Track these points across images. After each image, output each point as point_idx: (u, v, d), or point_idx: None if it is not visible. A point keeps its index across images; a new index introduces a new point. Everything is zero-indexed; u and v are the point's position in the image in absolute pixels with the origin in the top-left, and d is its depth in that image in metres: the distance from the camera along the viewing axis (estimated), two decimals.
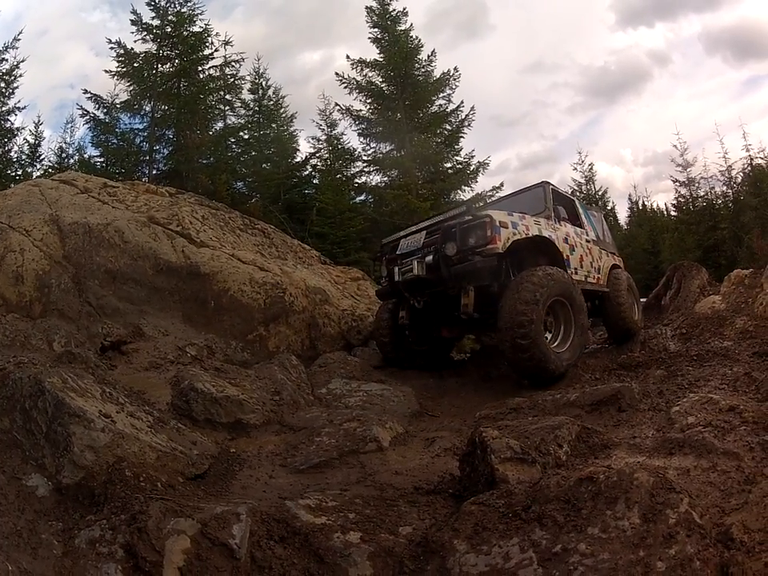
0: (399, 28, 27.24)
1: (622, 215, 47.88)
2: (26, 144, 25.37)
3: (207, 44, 25.44)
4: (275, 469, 4.23)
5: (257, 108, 28.34)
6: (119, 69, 24.14)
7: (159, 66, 24.73)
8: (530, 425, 4.06)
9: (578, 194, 39.88)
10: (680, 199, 34.24)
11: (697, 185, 32.95)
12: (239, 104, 27.71)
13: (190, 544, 2.56)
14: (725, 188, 32.13)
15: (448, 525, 2.81)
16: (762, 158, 30.99)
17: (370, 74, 26.83)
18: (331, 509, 3.12)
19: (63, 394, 3.43)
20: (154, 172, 23.70)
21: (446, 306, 8.17)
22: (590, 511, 2.52)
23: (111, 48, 23.96)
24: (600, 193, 41.62)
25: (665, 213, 42.45)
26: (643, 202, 47.38)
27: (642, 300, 16.04)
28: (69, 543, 2.68)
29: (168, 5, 25.21)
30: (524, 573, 2.37)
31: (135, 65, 24.25)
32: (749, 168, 31.19)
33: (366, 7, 27.46)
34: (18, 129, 24.84)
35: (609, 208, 43.13)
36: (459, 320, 8.00)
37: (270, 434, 5.11)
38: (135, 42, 24.48)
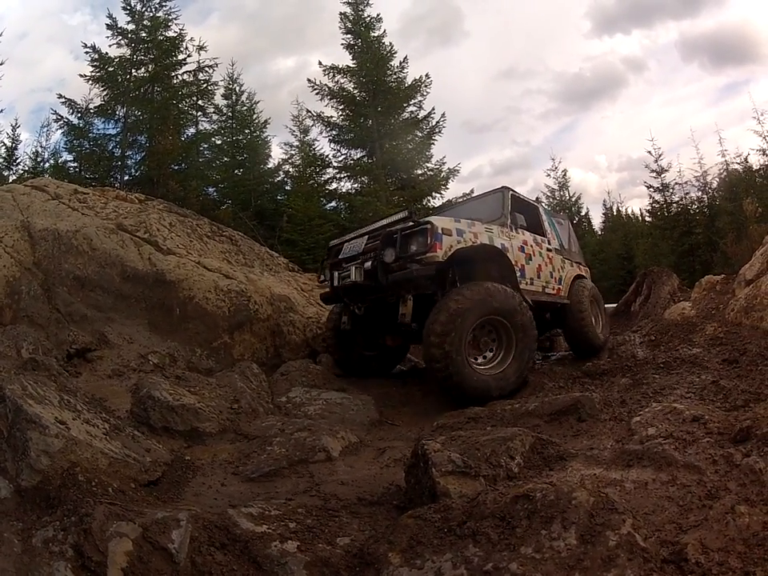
0: (372, 34, 27.35)
1: (596, 221, 48.09)
2: (3, 147, 25.37)
3: (181, 49, 25.44)
4: (227, 477, 4.28)
5: (230, 113, 28.35)
6: (93, 73, 24.08)
7: (133, 70, 24.68)
8: (482, 436, 3.91)
9: (551, 200, 40.03)
10: (654, 205, 34.16)
11: (671, 190, 33.00)
12: (212, 109, 27.75)
13: (132, 546, 2.63)
14: (700, 193, 32.23)
15: (384, 537, 2.80)
16: (738, 164, 31.16)
17: (342, 81, 26.94)
18: (273, 517, 3.15)
19: (22, 400, 3.51)
20: (126, 177, 23.65)
21: (386, 314, 8.00)
22: (524, 530, 2.49)
23: (86, 52, 23.91)
24: (574, 199, 41.72)
25: (639, 218, 42.38)
26: (617, 207, 47.60)
27: (611, 306, 16.08)
28: (27, 542, 2.75)
29: (144, 9, 25.19)
30: None
31: (110, 69, 24.14)
32: (725, 173, 31.34)
33: (340, 13, 27.72)
34: None
35: (583, 214, 43.33)
36: (402, 329, 7.82)
37: (225, 443, 5.15)
38: (110, 46, 24.48)
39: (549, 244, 10.00)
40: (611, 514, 2.43)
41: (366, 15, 27.83)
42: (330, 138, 27.37)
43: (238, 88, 29.25)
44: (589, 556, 2.26)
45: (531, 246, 9.14)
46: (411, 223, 7.43)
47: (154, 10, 25.61)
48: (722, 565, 2.23)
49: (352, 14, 27.80)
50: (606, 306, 19.68)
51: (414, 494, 3.47)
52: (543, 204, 11.00)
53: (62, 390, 4.26)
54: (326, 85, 26.94)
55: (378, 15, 27.92)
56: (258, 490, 4.03)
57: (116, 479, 3.47)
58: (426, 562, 2.53)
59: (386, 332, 8.54)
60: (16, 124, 26.31)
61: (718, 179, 31.57)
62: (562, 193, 41.15)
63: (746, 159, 30.66)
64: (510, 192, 9.47)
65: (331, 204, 26.57)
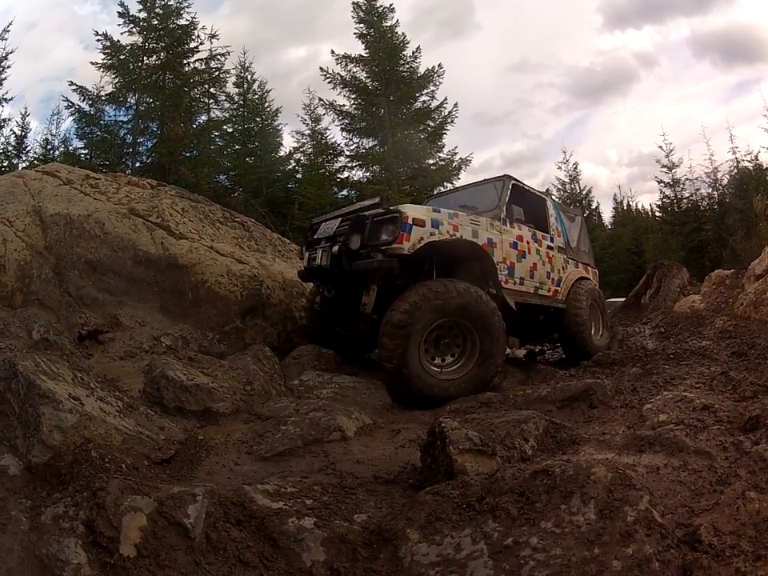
0: (385, 24, 27.49)
1: (607, 215, 48.02)
2: (13, 135, 25.45)
3: (193, 37, 25.56)
4: (241, 456, 4.26)
5: (241, 102, 28.55)
6: (105, 61, 24.15)
7: (145, 58, 24.78)
8: (496, 418, 3.98)
9: (562, 193, 39.96)
10: (665, 200, 34.25)
11: (682, 186, 33.06)
12: (224, 97, 27.85)
13: (146, 522, 2.60)
14: (710, 190, 32.29)
15: (402, 514, 2.81)
16: (748, 161, 31.22)
17: (355, 70, 27.13)
18: (289, 494, 3.13)
19: (35, 376, 3.45)
20: (138, 164, 23.78)
21: (354, 300, 7.45)
22: (544, 505, 2.51)
23: (98, 40, 24.08)
24: (584, 192, 41.68)
25: (649, 213, 42.44)
26: (628, 202, 47.51)
27: (620, 300, 15.97)
28: (35, 519, 2.71)
29: None
30: (474, 564, 2.36)
31: (121, 57, 24.23)
32: (735, 170, 31.39)
33: (353, 2, 27.82)
34: (4, 120, 25.01)
35: (593, 207, 43.30)
36: (362, 319, 7.31)
37: (238, 423, 5.14)
38: (122, 34, 24.59)
39: (551, 241, 9.48)
40: (629, 490, 2.46)
41: (378, 5, 28.02)
42: (342, 126, 27.68)
43: (249, 76, 29.46)
44: (608, 531, 2.29)
45: (527, 242, 8.64)
46: (382, 210, 7.05)
47: None
48: (734, 548, 2.26)
49: (365, 4, 27.93)
50: (615, 299, 19.47)
51: (430, 472, 3.45)
52: (553, 197, 10.05)
53: (75, 368, 4.21)
54: (338, 74, 27.21)
55: (390, 5, 28.12)
56: (273, 469, 4.00)
57: (129, 456, 3.44)
58: (445, 538, 2.54)
59: (358, 316, 7.64)
60: (25, 112, 26.44)
61: (728, 176, 31.73)
62: (573, 186, 41.17)
63: (756, 157, 31.01)
64: (512, 182, 8.92)
65: (343, 192, 26.76)
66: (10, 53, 24.99)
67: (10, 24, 25.22)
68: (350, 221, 7.32)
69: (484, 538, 2.46)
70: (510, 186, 8.75)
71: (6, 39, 24.87)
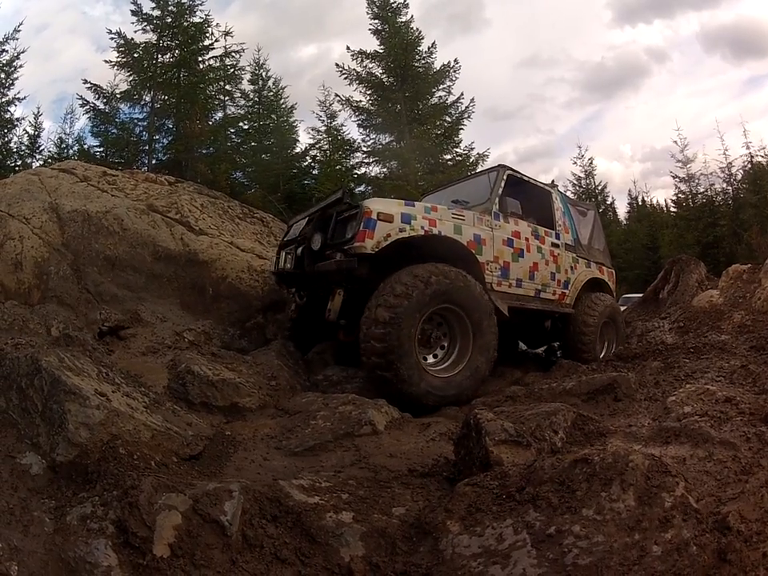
0: (400, 20, 27.54)
1: (621, 210, 47.98)
2: (26, 135, 25.70)
3: (207, 34, 25.71)
4: (270, 451, 4.21)
5: (257, 99, 28.79)
6: (119, 59, 24.29)
7: (159, 56, 24.96)
8: (526, 411, 4.01)
9: (577, 188, 40.01)
10: (680, 195, 34.42)
11: (697, 181, 33.15)
12: (239, 94, 28.08)
13: (181, 520, 2.55)
14: (725, 185, 32.38)
15: (441, 506, 2.79)
16: (762, 156, 31.24)
17: (370, 66, 27.21)
18: (324, 489, 3.10)
19: (60, 372, 3.40)
20: (154, 161, 24.00)
21: (323, 306, 6.62)
22: (584, 493, 2.50)
23: (111, 38, 24.30)
24: (600, 187, 41.68)
25: (664, 209, 42.41)
26: (643, 197, 47.45)
27: (637, 296, 15.85)
28: (60, 520, 2.66)
29: None
30: (517, 554, 2.34)
31: (135, 55, 24.38)
32: (749, 165, 31.40)
33: None
34: (17, 119, 25.17)
35: (608, 203, 43.33)
36: (329, 326, 6.79)
37: (265, 418, 5.11)
38: (135, 32, 24.75)
39: (556, 238, 8.60)
40: (665, 477, 2.49)
41: (393, 1, 28.06)
42: (359, 122, 27.78)
43: (264, 73, 29.75)
44: (647, 517, 2.33)
45: (526, 239, 7.84)
46: (344, 206, 6.58)
47: None
48: (759, 534, 2.31)
49: (379, 0, 27.82)
50: (633, 294, 19.27)
51: (464, 465, 3.45)
52: (559, 189, 9.24)
53: (99, 363, 4.15)
54: (354, 69, 27.30)
55: (404, 1, 28.16)
56: (303, 464, 3.97)
57: (158, 453, 3.39)
58: (486, 529, 2.55)
59: (337, 327, 6.98)
60: (38, 112, 26.71)
61: (742, 171, 31.82)
62: (588, 181, 41.19)
63: None
64: (507, 172, 8.06)
65: (360, 188, 26.68)
66: (22, 52, 25.40)
67: (21, 24, 25.50)
68: (313, 220, 6.96)
69: (526, 528, 2.47)
70: (505, 177, 7.97)
71: (17, 39, 25.10)
